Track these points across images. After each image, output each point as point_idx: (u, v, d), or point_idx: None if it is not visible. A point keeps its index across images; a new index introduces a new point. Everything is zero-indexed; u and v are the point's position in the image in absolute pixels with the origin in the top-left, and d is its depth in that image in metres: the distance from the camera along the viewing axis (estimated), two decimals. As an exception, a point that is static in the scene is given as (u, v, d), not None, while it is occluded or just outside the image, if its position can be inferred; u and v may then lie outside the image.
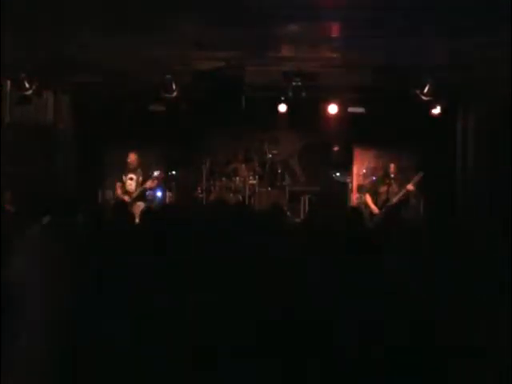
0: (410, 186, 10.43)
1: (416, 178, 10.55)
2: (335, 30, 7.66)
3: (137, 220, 5.70)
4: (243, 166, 12.29)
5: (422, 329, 3.12)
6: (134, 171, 11.20)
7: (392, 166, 10.61)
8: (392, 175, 10.52)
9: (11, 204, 8.74)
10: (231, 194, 11.91)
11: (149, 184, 11.19)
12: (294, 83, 9.46)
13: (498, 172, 10.63)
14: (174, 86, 9.94)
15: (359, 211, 6.46)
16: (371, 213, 10.32)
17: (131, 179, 11.18)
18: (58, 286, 3.14)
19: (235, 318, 3.15)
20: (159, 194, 11.67)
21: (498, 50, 7.55)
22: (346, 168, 12.24)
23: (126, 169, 11.24)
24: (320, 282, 3.56)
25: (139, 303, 3.24)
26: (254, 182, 12.06)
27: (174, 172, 12.42)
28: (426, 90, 9.42)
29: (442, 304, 3.28)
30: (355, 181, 11.97)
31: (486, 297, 3.30)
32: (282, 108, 11.29)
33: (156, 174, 11.41)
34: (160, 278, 3.46)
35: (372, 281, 3.65)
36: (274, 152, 12.43)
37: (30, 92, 9.36)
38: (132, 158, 11.28)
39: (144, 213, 5.31)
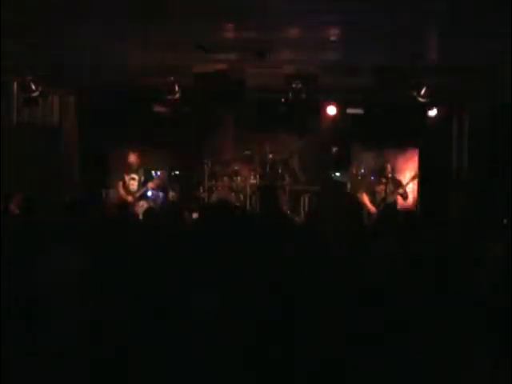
0: (401, 190, 10.70)
1: (410, 180, 10.83)
2: (335, 33, 7.79)
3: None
4: (244, 166, 12.48)
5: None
6: (135, 171, 11.36)
7: (389, 166, 10.82)
8: (389, 175, 10.74)
9: (17, 205, 8.75)
10: (233, 194, 12.12)
11: (151, 184, 11.36)
12: (293, 85, 9.60)
13: (495, 173, 10.83)
14: (176, 88, 10.10)
15: (358, 209, 6.61)
16: (368, 212, 10.52)
17: (133, 179, 11.33)
18: None
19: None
20: (162, 193, 11.80)
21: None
22: (346, 168, 12.40)
23: (128, 169, 11.41)
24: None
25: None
26: (255, 181, 12.24)
27: (176, 172, 12.57)
28: (422, 91, 9.57)
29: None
30: (354, 180, 12.13)
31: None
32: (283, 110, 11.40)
33: (158, 174, 11.60)
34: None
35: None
36: (274, 152, 12.59)
37: (36, 94, 9.48)
38: (133, 158, 11.44)
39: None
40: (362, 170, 12.06)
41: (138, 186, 11.33)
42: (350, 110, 11.85)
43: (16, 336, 3.20)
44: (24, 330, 3.28)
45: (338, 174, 12.55)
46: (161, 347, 3.14)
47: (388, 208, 7.47)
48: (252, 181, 12.22)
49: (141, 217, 6.73)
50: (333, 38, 7.84)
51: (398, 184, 10.85)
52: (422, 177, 11.48)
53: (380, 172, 10.96)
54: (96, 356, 3.19)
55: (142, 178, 11.37)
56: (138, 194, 11.26)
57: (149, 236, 4.65)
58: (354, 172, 12.08)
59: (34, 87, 9.35)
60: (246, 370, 3.14)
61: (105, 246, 4.32)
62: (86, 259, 3.92)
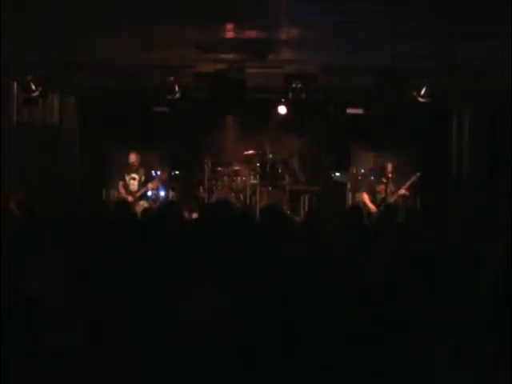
0: (402, 190, 10.71)
1: (409, 182, 10.84)
2: (335, 33, 7.79)
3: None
4: (244, 166, 12.49)
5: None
6: (136, 171, 11.35)
7: (389, 165, 10.82)
8: (390, 175, 10.74)
9: (18, 205, 8.71)
10: (233, 194, 12.13)
11: (151, 184, 11.36)
12: (293, 85, 9.60)
13: (494, 173, 10.84)
14: (176, 88, 10.10)
15: (358, 209, 6.62)
16: (369, 211, 10.52)
17: (133, 179, 11.33)
18: None
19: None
20: (162, 193, 11.80)
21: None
22: (346, 168, 12.41)
23: (128, 169, 11.41)
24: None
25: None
26: (255, 181, 12.24)
27: (177, 172, 12.58)
28: (422, 92, 9.56)
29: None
30: (354, 180, 12.13)
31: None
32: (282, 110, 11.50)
33: (158, 173, 11.59)
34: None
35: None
36: (275, 152, 12.59)
37: (36, 94, 9.48)
38: (133, 158, 11.43)
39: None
40: (363, 170, 12.07)
41: (139, 186, 11.32)
42: (350, 110, 11.86)
43: (16, 336, 3.19)
44: (24, 330, 3.27)
45: (337, 173, 12.58)
46: (157, 348, 3.14)
47: (388, 208, 7.47)
48: (252, 181, 12.22)
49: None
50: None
51: (399, 184, 10.85)
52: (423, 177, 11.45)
53: (380, 172, 10.98)
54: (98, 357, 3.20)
55: (143, 178, 11.37)
56: (138, 194, 11.25)
57: (147, 236, 4.65)
58: (354, 172, 12.09)
59: (34, 87, 9.35)
60: (246, 370, 3.14)
61: (104, 247, 4.32)
62: (86, 259, 3.92)
